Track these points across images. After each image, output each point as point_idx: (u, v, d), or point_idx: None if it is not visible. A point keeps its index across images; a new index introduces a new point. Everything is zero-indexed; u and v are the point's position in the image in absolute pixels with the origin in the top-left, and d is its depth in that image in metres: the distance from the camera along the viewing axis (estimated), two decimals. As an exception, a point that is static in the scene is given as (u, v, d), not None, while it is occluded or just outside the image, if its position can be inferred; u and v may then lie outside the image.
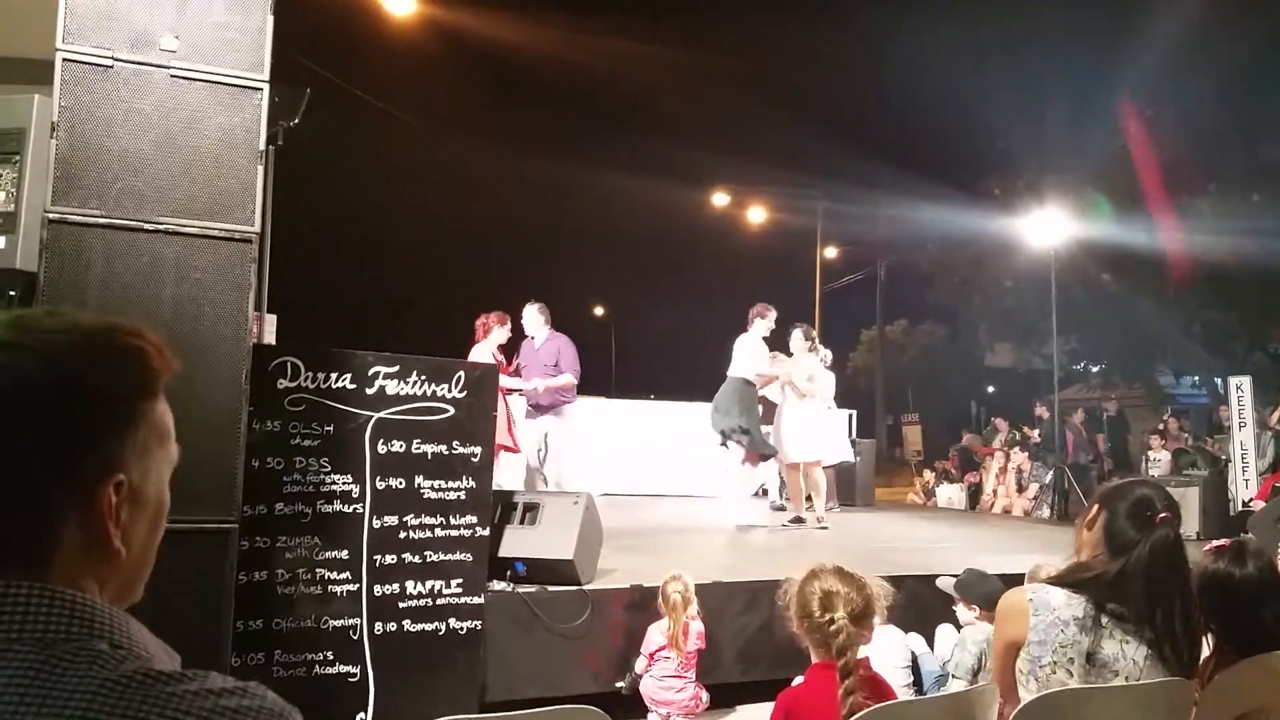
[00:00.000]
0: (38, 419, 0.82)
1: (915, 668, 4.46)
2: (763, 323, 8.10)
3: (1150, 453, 12.31)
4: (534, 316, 7.77)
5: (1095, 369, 23.78)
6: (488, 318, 7.55)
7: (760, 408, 8.24)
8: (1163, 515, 2.35)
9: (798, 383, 8.20)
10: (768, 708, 2.61)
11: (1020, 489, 13.00)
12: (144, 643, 0.84)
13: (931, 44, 21.96)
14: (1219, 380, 18.50)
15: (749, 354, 8.04)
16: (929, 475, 15.98)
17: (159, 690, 0.75)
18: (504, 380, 7.74)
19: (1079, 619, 2.31)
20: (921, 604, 4.63)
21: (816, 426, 8.38)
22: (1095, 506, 2.49)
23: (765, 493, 10.19)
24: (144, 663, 0.79)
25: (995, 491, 13.45)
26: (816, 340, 8.68)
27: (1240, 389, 10.94)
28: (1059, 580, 2.43)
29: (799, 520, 8.24)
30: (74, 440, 0.84)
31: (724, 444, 8.04)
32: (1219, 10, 16.14)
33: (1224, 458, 11.23)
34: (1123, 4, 17.48)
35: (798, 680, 3.16)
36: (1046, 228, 15.66)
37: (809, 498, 8.24)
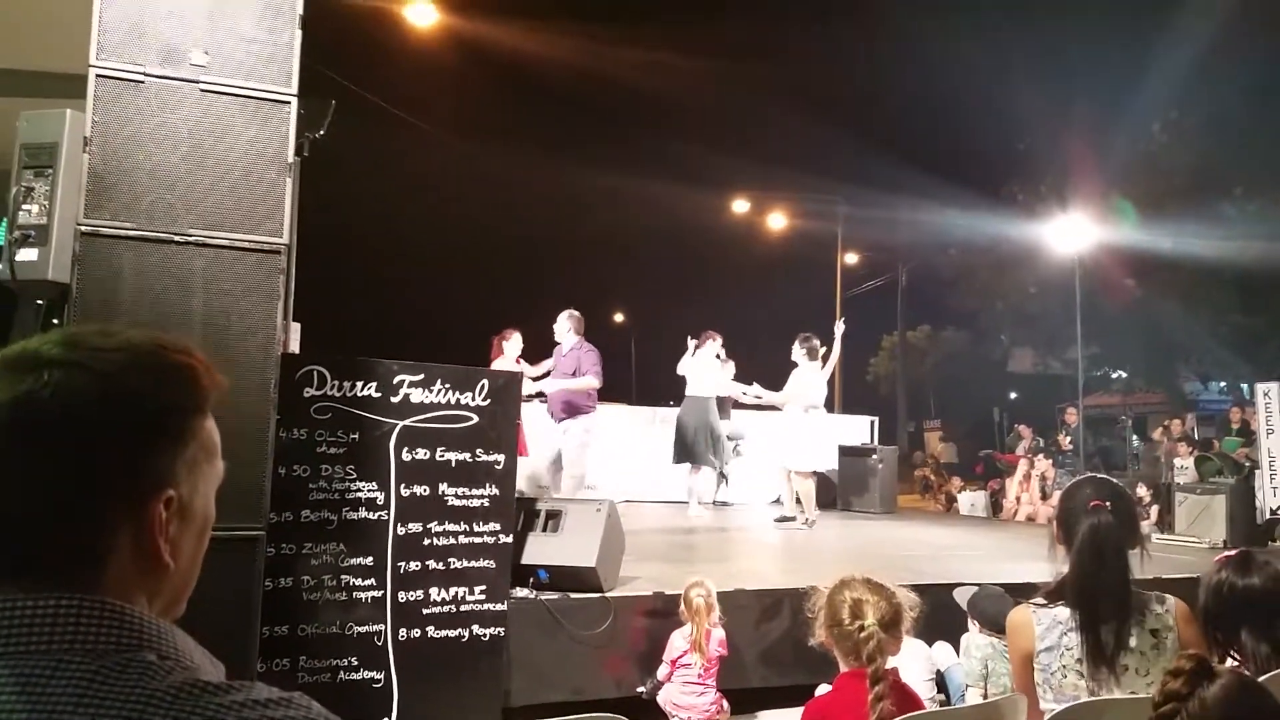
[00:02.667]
0: (92, 435, 0.84)
1: (939, 679, 4.44)
2: (714, 344, 9.02)
3: (1177, 460, 12.18)
4: (562, 323, 7.86)
5: (1115, 375, 23.59)
6: (499, 336, 7.66)
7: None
8: (1093, 503, 2.42)
9: (794, 405, 8.78)
10: (789, 714, 2.62)
11: (1044, 496, 12.89)
12: (190, 654, 0.86)
13: (952, 49, 21.86)
14: (1245, 386, 18.28)
15: (710, 374, 9.00)
16: (957, 482, 15.84)
17: (206, 701, 0.77)
18: (527, 383, 7.85)
19: (1077, 619, 2.42)
20: (947, 613, 4.60)
21: (809, 435, 8.82)
22: (1055, 520, 2.60)
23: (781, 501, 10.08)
24: (191, 674, 0.81)
25: (1018, 499, 13.34)
26: (818, 345, 8.86)
27: (1269, 395, 10.80)
28: (1049, 598, 2.51)
29: (789, 519, 8.81)
30: (127, 456, 0.86)
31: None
32: (1245, 12, 15.98)
33: (1248, 464, 11.09)
34: (1148, 7, 17.35)
35: (822, 688, 3.15)
36: (1070, 233, 15.57)
37: (799, 500, 8.82)
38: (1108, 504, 2.46)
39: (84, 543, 0.84)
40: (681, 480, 9.54)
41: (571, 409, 7.75)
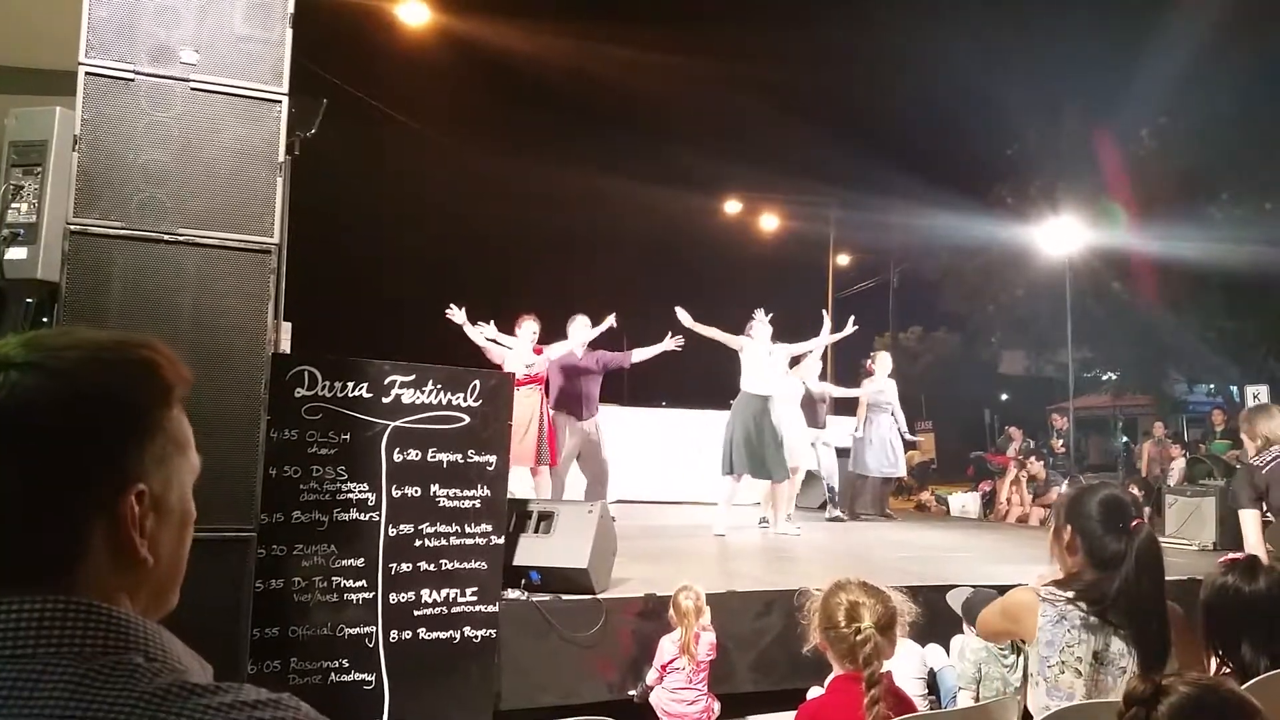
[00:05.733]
0: (54, 433, 0.83)
1: (931, 680, 4.44)
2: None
3: (1173, 461, 12.24)
4: (587, 328, 7.79)
5: (1105, 377, 23.72)
6: (517, 321, 7.47)
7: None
8: (1136, 521, 2.42)
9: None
10: (780, 718, 2.61)
11: (1036, 498, 12.92)
12: (178, 655, 0.85)
13: (945, 52, 21.95)
14: (1234, 388, 18.40)
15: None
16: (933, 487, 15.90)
17: (195, 703, 0.77)
18: (639, 353, 7.89)
19: (1084, 618, 2.38)
20: (939, 615, 4.60)
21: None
22: (1066, 526, 2.53)
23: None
24: (179, 675, 0.80)
25: (1009, 500, 13.36)
26: None
27: (1258, 398, 10.87)
28: (1060, 586, 2.47)
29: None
30: (92, 452, 0.85)
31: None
32: (1234, 19, 16.08)
33: (1239, 466, 11.13)
34: (1138, 12, 17.44)
35: (814, 691, 3.15)
36: (1060, 236, 15.65)
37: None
38: (1143, 519, 2.45)
39: (57, 542, 0.84)
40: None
41: (595, 406, 7.77)
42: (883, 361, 10.35)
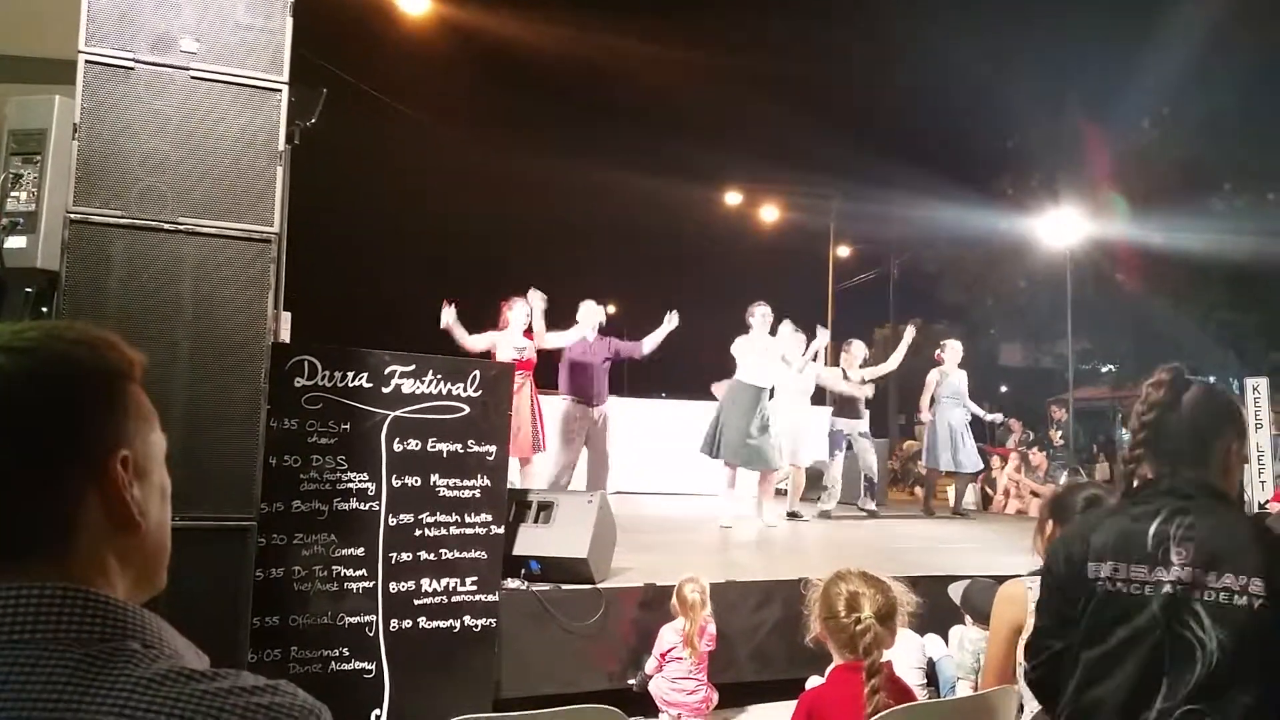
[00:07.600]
0: (34, 407, 0.85)
1: (930, 670, 4.45)
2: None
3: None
4: (599, 314, 7.75)
5: (1105, 369, 23.72)
6: (505, 303, 7.30)
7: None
8: None
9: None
10: (779, 707, 2.62)
11: (1035, 493, 12.92)
12: (173, 643, 0.86)
13: (945, 43, 21.89)
14: (1234, 380, 18.40)
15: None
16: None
17: (192, 688, 0.77)
18: (649, 343, 7.77)
19: None
20: (937, 605, 4.61)
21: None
22: (1049, 522, 2.62)
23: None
24: (175, 661, 0.81)
25: (1008, 492, 13.37)
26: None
27: (1257, 390, 10.86)
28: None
29: (796, 515, 8.63)
30: (73, 420, 0.87)
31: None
32: (1236, 8, 16.03)
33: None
34: (1140, 2, 17.38)
35: (813, 680, 3.16)
36: (1061, 227, 15.63)
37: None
38: None
39: (53, 514, 0.85)
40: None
41: (606, 394, 7.75)
42: (952, 350, 10.28)
